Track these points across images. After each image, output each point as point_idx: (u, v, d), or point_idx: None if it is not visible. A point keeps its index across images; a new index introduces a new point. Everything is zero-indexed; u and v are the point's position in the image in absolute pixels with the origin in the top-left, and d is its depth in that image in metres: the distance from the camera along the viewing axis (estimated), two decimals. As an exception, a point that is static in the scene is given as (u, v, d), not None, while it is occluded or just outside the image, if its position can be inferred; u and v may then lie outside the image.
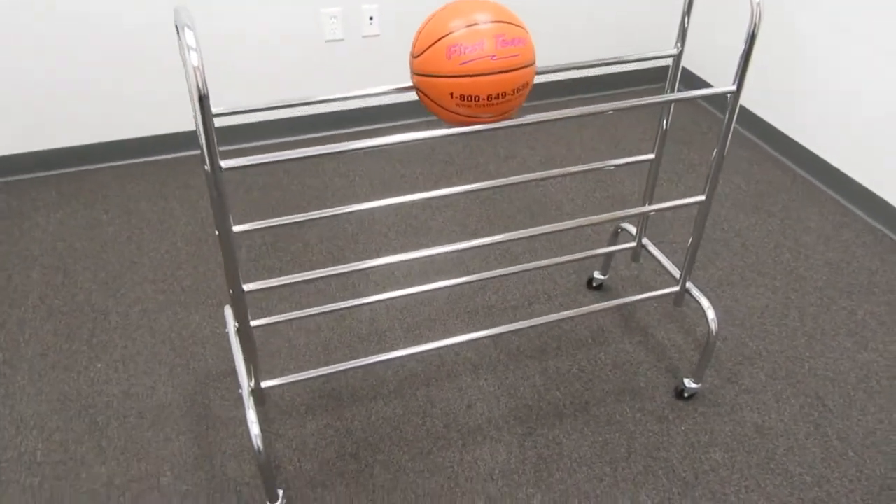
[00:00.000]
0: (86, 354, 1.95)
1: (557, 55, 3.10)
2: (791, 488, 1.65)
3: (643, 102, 1.42)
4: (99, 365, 1.92)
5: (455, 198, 2.55)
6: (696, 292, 1.77)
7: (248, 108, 1.38)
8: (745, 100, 2.97)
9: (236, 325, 1.44)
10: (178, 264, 2.25)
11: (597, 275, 2.17)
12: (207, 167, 1.19)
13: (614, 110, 1.39)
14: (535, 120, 1.34)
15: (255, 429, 1.46)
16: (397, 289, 1.96)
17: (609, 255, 2.12)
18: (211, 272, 2.22)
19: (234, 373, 1.90)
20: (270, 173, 2.68)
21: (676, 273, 1.79)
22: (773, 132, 2.86)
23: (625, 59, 1.62)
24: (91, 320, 2.05)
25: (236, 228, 1.55)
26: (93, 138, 2.66)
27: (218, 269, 2.23)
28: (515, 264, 2.08)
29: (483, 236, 2.31)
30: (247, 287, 1.38)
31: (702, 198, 1.62)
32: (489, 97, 1.23)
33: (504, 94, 1.23)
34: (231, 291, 1.37)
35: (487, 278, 1.95)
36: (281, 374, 1.90)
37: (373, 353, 1.96)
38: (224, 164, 1.21)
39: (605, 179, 2.67)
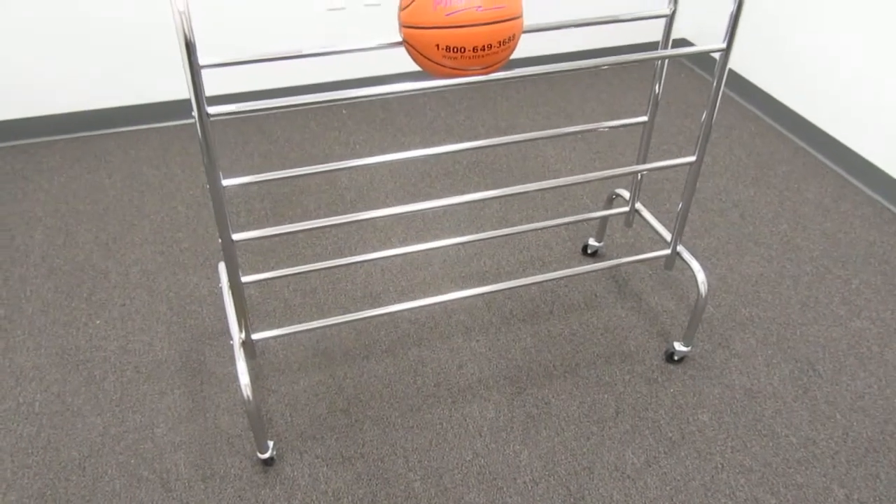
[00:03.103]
0: (85, 311, 1.98)
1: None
2: (777, 449, 1.66)
3: (633, 59, 1.42)
4: (98, 321, 1.96)
5: (454, 167, 2.56)
6: (686, 255, 1.78)
7: (238, 60, 1.40)
8: (748, 71, 2.96)
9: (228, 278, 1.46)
10: (178, 227, 2.28)
11: (592, 241, 2.18)
12: (195, 114, 1.21)
13: (606, 65, 1.39)
14: (522, 74, 1.35)
15: (244, 378, 1.49)
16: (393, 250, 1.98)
17: (604, 222, 2.13)
18: (209, 235, 2.25)
19: (229, 331, 1.93)
20: (271, 141, 2.70)
21: (669, 237, 1.80)
22: (775, 104, 2.85)
23: (618, 17, 1.62)
24: (91, 279, 2.09)
25: (226, 182, 1.57)
26: (98, 104, 2.69)
27: (216, 231, 2.25)
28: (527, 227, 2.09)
29: (482, 204, 2.33)
30: (236, 237, 1.40)
31: (692, 159, 1.63)
32: (475, 49, 1.23)
33: (490, 47, 1.23)
34: (220, 240, 1.39)
35: (483, 239, 1.97)
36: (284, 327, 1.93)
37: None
38: (212, 110, 1.22)
39: (604, 151, 2.67)
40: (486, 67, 1.30)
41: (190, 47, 1.13)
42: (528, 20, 3.00)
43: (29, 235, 2.24)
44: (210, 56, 1.45)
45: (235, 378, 1.80)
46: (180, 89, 2.74)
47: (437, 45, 1.23)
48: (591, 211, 2.38)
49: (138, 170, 2.54)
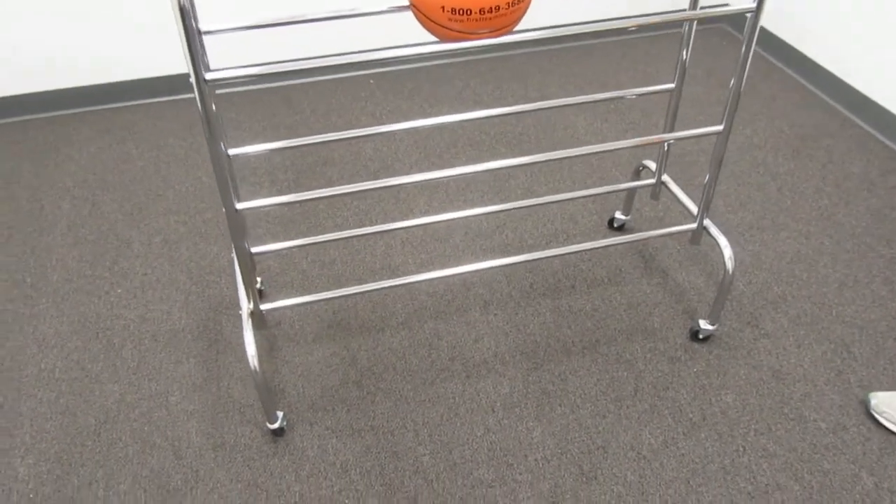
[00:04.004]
0: (107, 280, 2.00)
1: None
2: (803, 433, 1.58)
3: (648, 21, 1.34)
4: (119, 290, 1.97)
5: (480, 137, 2.51)
6: (714, 230, 1.70)
7: (240, 26, 1.37)
8: (793, 37, 2.81)
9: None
10: (202, 198, 2.28)
11: (618, 215, 2.11)
12: (192, 80, 1.18)
13: (632, 28, 1.32)
14: (538, 36, 1.27)
15: (251, 349, 1.48)
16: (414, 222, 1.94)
17: (631, 195, 2.05)
18: (232, 205, 2.24)
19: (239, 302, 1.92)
20: (297, 112, 2.68)
21: (696, 211, 1.72)
22: (821, 73, 2.70)
23: None
24: (114, 248, 2.11)
25: (233, 151, 1.56)
26: (127, 76, 2.70)
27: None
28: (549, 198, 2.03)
29: (508, 175, 2.27)
30: (240, 206, 1.38)
31: (719, 128, 1.54)
32: (482, 11, 1.17)
33: (497, 8, 1.17)
34: (224, 210, 1.37)
35: (507, 210, 1.92)
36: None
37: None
38: (209, 76, 1.20)
39: (637, 121, 2.57)
40: (496, 31, 1.24)
41: (184, 12, 1.10)
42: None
43: (57, 205, 2.27)
44: (216, 23, 1.43)
45: (243, 347, 1.79)
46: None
47: (443, 7, 1.18)
48: (620, 183, 2.30)
49: (164, 141, 2.54)
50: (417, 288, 1.95)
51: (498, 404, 1.66)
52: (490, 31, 1.24)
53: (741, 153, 2.42)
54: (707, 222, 1.71)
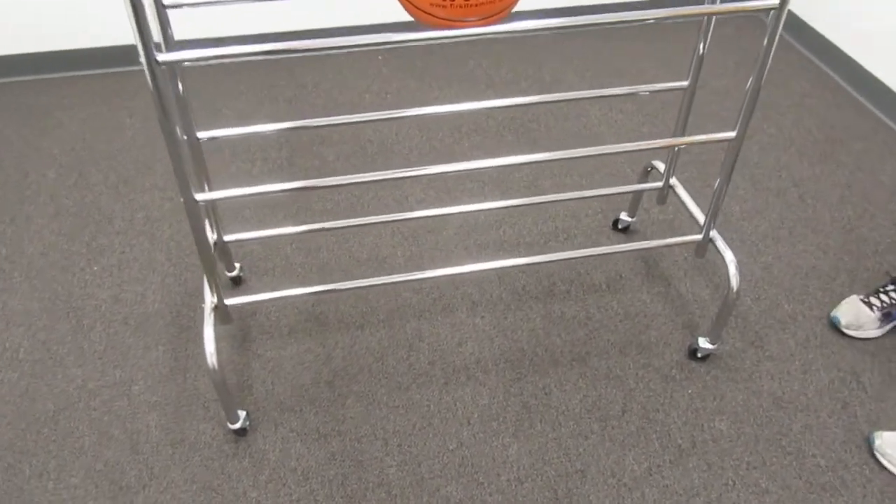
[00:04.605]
0: (84, 256, 1.93)
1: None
2: (801, 470, 1.46)
3: (672, 13, 1.20)
4: (95, 268, 1.90)
5: (486, 122, 2.38)
6: (720, 243, 1.57)
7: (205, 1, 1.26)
8: (829, 29, 2.63)
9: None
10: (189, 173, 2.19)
11: (623, 216, 1.98)
12: (142, 59, 1.08)
13: (646, 20, 1.18)
14: (531, 27, 1.15)
15: (210, 346, 1.39)
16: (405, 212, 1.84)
17: (638, 196, 1.92)
18: (220, 183, 2.15)
19: (225, 286, 1.84)
20: (299, 85, 2.57)
21: (703, 220, 1.59)
22: (858, 71, 2.52)
23: None
24: (95, 222, 2.03)
25: (202, 134, 1.46)
26: (125, 40, 2.60)
27: (229, 180, 2.16)
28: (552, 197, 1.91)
29: (511, 167, 2.15)
30: (199, 196, 1.29)
31: (732, 134, 1.40)
32: None
33: None
34: (183, 200, 1.28)
35: (503, 207, 1.81)
36: (271, 291, 1.83)
37: (365, 278, 1.86)
38: (162, 57, 1.09)
39: (655, 113, 2.42)
40: (486, 18, 1.12)
41: None
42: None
43: (42, 174, 2.20)
44: None
45: (221, 338, 1.71)
46: (208, 27, 2.62)
47: None
48: (630, 179, 2.16)
49: (209, 103, 2.45)
50: (403, 283, 1.85)
51: (475, 416, 1.56)
52: (479, 19, 1.12)
53: (763, 154, 2.27)
54: (714, 234, 1.57)
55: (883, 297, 1.71)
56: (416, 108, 1.45)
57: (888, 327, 1.72)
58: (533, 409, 1.57)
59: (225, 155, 2.25)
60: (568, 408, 1.58)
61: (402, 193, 2.11)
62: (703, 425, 1.54)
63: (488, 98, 2.52)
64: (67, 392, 1.61)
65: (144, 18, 1.03)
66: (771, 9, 1.24)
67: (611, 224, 2.02)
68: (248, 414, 1.54)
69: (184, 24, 2.56)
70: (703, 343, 1.65)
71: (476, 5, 1.09)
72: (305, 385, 1.62)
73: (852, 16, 2.53)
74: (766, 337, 1.72)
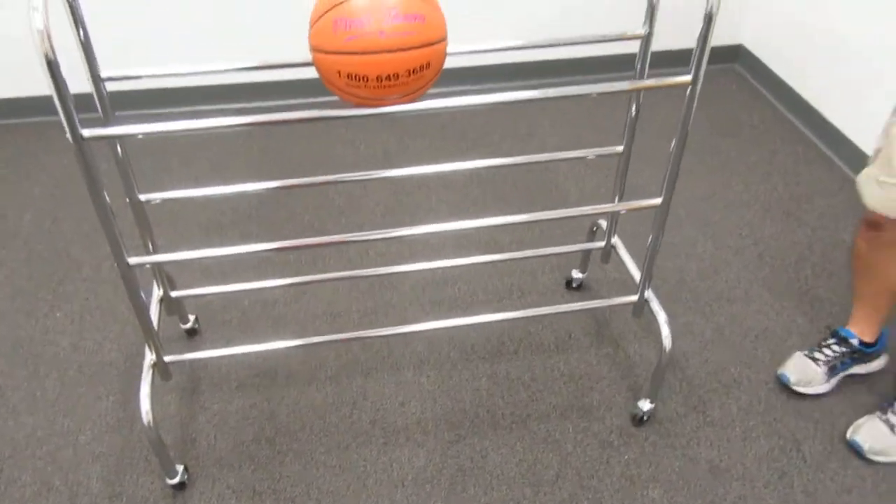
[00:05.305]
0: (49, 302, 1.98)
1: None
2: (729, 543, 1.46)
3: (576, 92, 1.24)
4: (58, 314, 1.95)
5: (455, 177, 2.42)
6: (654, 304, 1.58)
7: (137, 75, 1.32)
8: (805, 90, 2.65)
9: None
10: (161, 224, 2.25)
11: (576, 273, 2.00)
12: (69, 135, 1.13)
13: (558, 97, 1.22)
14: (444, 105, 1.18)
15: (145, 404, 1.43)
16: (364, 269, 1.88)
17: (587, 254, 1.95)
18: (188, 237, 2.21)
19: (179, 338, 1.88)
20: (269, 135, 2.63)
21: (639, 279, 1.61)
22: (827, 127, 2.53)
23: (586, 39, 1.44)
24: (63, 268, 2.09)
25: (144, 197, 1.51)
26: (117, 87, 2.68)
27: (197, 229, 2.21)
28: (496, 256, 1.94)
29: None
30: (132, 261, 1.34)
31: (657, 201, 1.42)
32: (378, 78, 1.08)
33: (396, 76, 1.08)
34: (116, 265, 1.33)
35: (459, 266, 1.84)
36: (227, 345, 1.87)
37: (322, 334, 1.89)
38: (88, 132, 1.15)
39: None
40: (406, 95, 1.15)
41: (51, 65, 1.05)
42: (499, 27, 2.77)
43: (20, 217, 2.27)
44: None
45: (170, 390, 1.75)
46: (196, 78, 2.69)
47: (339, 72, 1.09)
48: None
49: (138, 159, 2.52)
50: (353, 341, 1.87)
51: (409, 478, 1.58)
52: (399, 97, 1.15)
53: (727, 212, 2.28)
54: (649, 294, 1.59)
55: (826, 350, 1.73)
56: (387, 171, 1.49)
57: (835, 381, 1.73)
58: (468, 472, 1.59)
59: (194, 209, 2.30)
60: (503, 472, 1.59)
61: (363, 247, 2.15)
62: (636, 493, 1.55)
63: (461, 151, 2.56)
64: (16, 440, 1.65)
65: (66, 98, 1.08)
66: (684, 84, 1.27)
67: (565, 282, 2.03)
68: (186, 468, 1.57)
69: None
70: (644, 405, 1.66)
71: (390, 86, 1.11)
72: (247, 441, 1.65)
73: (823, 75, 2.54)
74: (710, 401, 1.73)
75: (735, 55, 3.02)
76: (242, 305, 1.97)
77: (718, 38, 2.53)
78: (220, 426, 1.68)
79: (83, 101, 2.70)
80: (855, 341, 1.71)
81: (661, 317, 1.57)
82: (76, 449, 1.64)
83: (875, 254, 1.58)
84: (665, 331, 1.55)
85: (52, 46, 1.03)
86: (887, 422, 1.59)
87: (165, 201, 1.56)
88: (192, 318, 1.87)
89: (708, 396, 1.74)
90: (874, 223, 1.53)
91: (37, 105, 2.67)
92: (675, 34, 1.97)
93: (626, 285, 2.00)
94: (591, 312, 1.94)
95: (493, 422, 1.69)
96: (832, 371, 1.71)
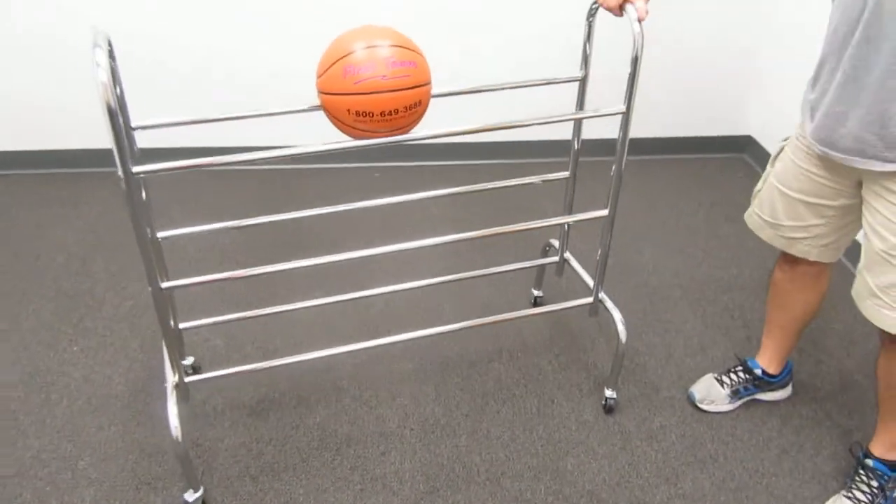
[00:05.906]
0: (69, 336, 2.13)
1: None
2: None
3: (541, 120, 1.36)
4: (75, 348, 2.09)
5: (421, 211, 2.63)
6: (609, 304, 1.83)
7: (170, 122, 1.52)
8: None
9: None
10: (182, 268, 2.41)
11: (534, 291, 2.27)
12: (121, 173, 1.29)
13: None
14: (429, 135, 1.42)
15: (174, 421, 1.53)
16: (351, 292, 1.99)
17: (541, 271, 2.21)
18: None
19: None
20: (263, 181, 2.80)
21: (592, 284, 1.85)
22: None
23: (532, 82, 1.66)
24: (86, 306, 2.24)
25: (161, 234, 1.67)
26: (149, 143, 2.91)
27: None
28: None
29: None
30: (164, 284, 1.48)
31: (605, 212, 1.67)
32: (382, 114, 1.31)
33: (396, 111, 1.32)
34: (150, 289, 1.47)
35: (431, 285, 1.96)
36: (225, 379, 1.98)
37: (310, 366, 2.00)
38: (137, 168, 1.31)
39: (579, 197, 2.55)
40: (396, 129, 1.37)
41: (112, 112, 1.21)
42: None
43: (52, 258, 2.45)
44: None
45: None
46: (214, 136, 2.90)
47: (349, 110, 1.32)
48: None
49: (170, 208, 2.70)
50: (345, 389, 1.97)
51: (380, 525, 1.64)
52: (390, 131, 1.36)
53: (717, 293, 2.36)
54: (603, 296, 1.83)
55: (733, 376, 1.94)
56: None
57: (738, 403, 1.94)
58: (437, 524, 1.64)
59: (216, 253, 2.46)
60: (471, 525, 1.64)
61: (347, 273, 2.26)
62: (598, 557, 1.59)
63: (434, 184, 2.70)
64: (22, 460, 1.77)
65: (122, 138, 1.24)
66: (619, 113, 1.49)
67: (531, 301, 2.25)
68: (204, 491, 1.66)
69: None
70: (608, 392, 1.88)
71: (391, 119, 1.35)
72: (231, 478, 1.74)
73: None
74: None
75: (744, 145, 3.14)
76: (245, 350, 2.09)
77: (727, 128, 2.77)
78: (209, 462, 1.77)
79: (104, 154, 2.90)
80: (758, 371, 1.91)
81: (616, 315, 1.80)
82: (74, 473, 1.74)
83: (788, 284, 1.78)
84: (620, 327, 1.80)
85: (114, 97, 1.19)
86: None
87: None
88: (190, 358, 2.00)
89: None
90: (791, 258, 1.70)
91: (77, 157, 2.90)
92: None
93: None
94: (585, 368, 2.01)
95: (468, 477, 1.75)
96: (735, 395, 1.93)
